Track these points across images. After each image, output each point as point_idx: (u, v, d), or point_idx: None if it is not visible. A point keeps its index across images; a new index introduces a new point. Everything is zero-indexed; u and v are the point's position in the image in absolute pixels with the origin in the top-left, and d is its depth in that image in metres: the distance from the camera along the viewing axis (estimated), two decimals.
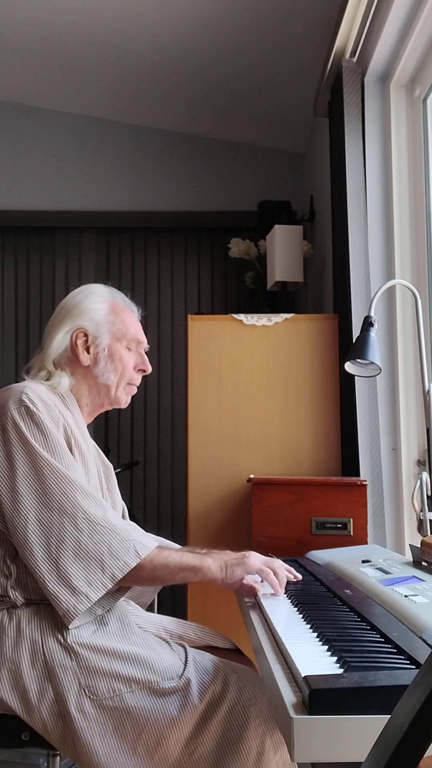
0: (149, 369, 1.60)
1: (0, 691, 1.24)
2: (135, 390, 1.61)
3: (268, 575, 1.33)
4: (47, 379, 1.47)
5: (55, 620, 1.28)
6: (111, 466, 1.65)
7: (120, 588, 1.31)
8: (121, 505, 1.65)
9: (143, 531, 1.39)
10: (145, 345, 1.61)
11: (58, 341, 1.50)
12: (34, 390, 1.38)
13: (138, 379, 1.60)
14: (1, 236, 3.81)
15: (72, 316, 1.53)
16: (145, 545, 1.28)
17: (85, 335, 1.51)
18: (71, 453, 1.37)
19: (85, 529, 1.25)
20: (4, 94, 3.67)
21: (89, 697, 1.22)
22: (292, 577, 1.41)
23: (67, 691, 1.22)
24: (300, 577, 1.45)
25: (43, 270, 3.82)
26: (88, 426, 1.55)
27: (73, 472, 1.32)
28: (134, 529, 1.33)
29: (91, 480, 1.43)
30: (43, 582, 1.24)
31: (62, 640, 1.26)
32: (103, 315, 1.53)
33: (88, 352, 1.51)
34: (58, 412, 1.39)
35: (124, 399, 1.57)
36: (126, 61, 3.11)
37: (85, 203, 3.74)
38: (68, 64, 3.22)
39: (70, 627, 1.25)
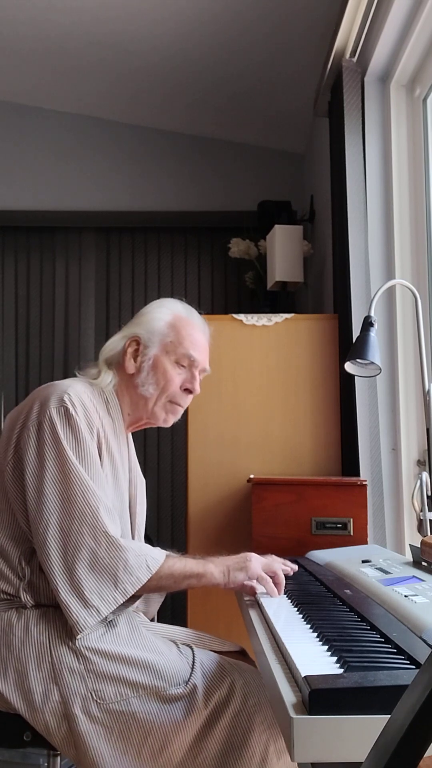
0: (197, 390, 1.52)
1: (5, 690, 1.24)
2: (178, 410, 1.52)
3: (267, 584, 1.34)
4: (95, 378, 1.46)
5: (64, 623, 1.27)
6: (144, 481, 1.62)
7: (130, 597, 1.30)
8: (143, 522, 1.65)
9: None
10: (203, 367, 1.53)
11: (114, 343, 1.50)
12: (76, 391, 1.36)
13: (183, 400, 1.51)
14: (1, 236, 3.81)
15: (135, 323, 1.52)
16: (155, 558, 1.29)
17: (138, 343, 1.48)
18: (100, 458, 1.35)
19: (102, 543, 1.25)
20: (4, 94, 3.67)
21: (96, 701, 1.22)
22: (289, 570, 1.42)
23: (73, 694, 1.22)
24: (295, 567, 1.46)
25: (43, 270, 3.82)
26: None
27: (98, 483, 1.31)
28: (144, 545, 1.34)
29: (118, 490, 1.42)
30: (56, 588, 1.24)
31: (71, 644, 1.26)
32: (161, 326, 1.49)
33: (135, 360, 1.48)
34: (97, 416, 1.37)
35: (162, 417, 1.50)
36: (126, 61, 3.11)
37: (85, 203, 3.74)
38: (68, 64, 3.22)
39: (77, 637, 1.25)
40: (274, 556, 1.44)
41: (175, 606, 3.11)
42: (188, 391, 1.51)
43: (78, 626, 1.22)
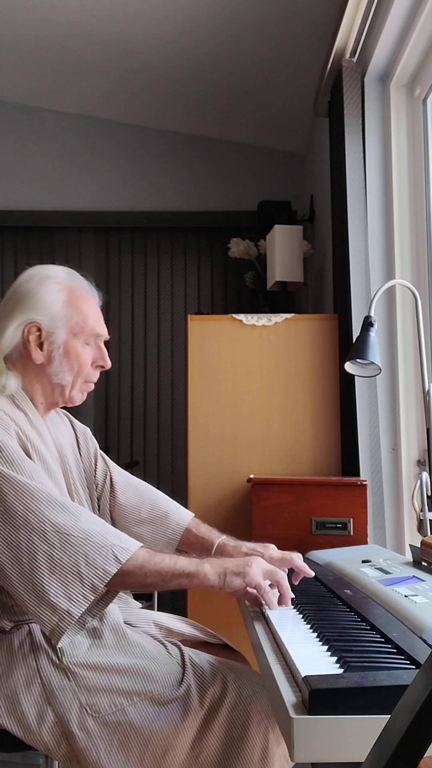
0: (108, 364, 1.47)
1: None
2: (92, 387, 1.48)
3: (266, 594, 1.23)
4: None
5: (48, 641, 1.24)
6: (87, 429, 1.57)
7: (108, 592, 1.23)
8: (110, 472, 1.59)
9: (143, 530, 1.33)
10: (105, 337, 1.48)
11: (10, 335, 1.38)
12: None
13: (96, 376, 1.47)
14: (1, 236, 3.81)
15: (25, 306, 1.39)
16: (126, 548, 1.18)
17: (39, 330, 1.38)
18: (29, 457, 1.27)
19: (56, 542, 1.16)
20: (4, 94, 3.67)
21: (91, 715, 1.20)
22: (310, 573, 1.36)
23: (68, 711, 1.20)
24: (311, 573, 1.38)
25: None
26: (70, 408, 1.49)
27: (37, 480, 1.22)
28: (112, 533, 1.22)
29: (54, 480, 1.34)
30: (24, 604, 1.17)
31: (57, 662, 1.23)
32: (60, 308, 1.40)
33: (41, 349, 1.38)
34: (8, 418, 1.28)
35: (78, 398, 1.46)
36: (126, 61, 3.11)
37: (85, 203, 3.74)
38: (68, 64, 3.22)
39: (58, 646, 1.19)
40: (286, 556, 1.38)
41: (175, 603, 3.12)
42: (100, 366, 1.47)
43: (55, 634, 1.15)
